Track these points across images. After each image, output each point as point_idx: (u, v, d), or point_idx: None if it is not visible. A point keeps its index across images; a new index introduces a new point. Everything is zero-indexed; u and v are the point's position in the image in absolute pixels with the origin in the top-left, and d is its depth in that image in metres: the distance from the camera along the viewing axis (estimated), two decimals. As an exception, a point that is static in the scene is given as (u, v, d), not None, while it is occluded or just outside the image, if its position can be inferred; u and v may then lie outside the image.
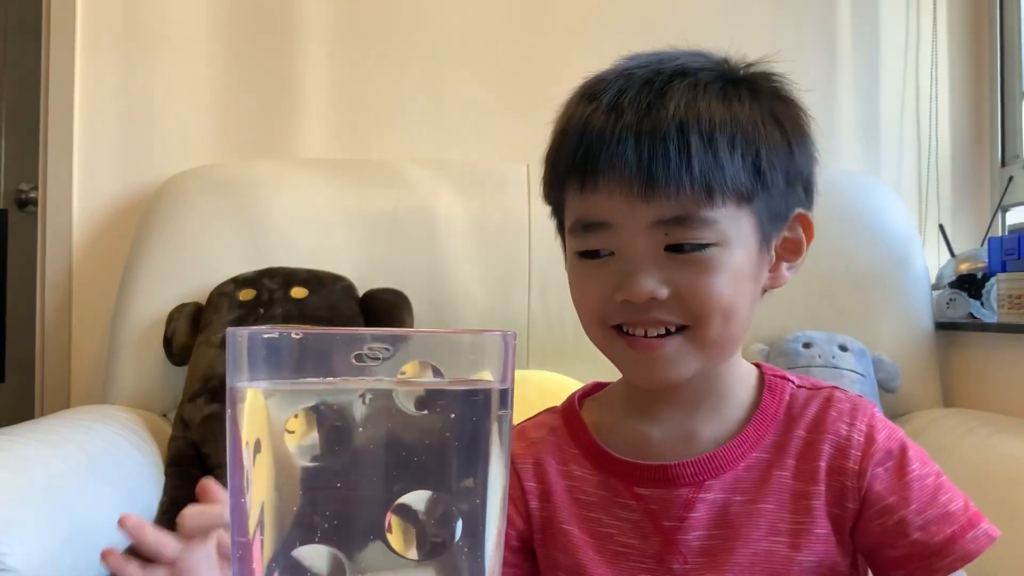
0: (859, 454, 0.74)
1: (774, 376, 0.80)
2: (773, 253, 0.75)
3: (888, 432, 0.76)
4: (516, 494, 0.79)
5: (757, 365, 0.82)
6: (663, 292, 0.70)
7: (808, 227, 0.77)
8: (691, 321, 0.71)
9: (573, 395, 0.85)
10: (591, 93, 0.74)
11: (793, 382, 0.79)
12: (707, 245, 0.70)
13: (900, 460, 0.75)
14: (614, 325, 0.73)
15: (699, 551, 0.74)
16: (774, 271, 0.76)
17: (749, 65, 0.77)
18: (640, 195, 0.69)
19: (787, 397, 0.78)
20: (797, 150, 0.75)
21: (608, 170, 0.70)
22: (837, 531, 0.74)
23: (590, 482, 0.78)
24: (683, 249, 0.70)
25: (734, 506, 0.74)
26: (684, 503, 0.75)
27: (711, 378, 0.77)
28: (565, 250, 0.79)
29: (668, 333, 0.71)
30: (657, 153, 0.68)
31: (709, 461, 0.75)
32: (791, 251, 0.77)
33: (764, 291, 0.78)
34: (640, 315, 0.71)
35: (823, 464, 0.74)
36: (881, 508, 0.73)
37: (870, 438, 0.75)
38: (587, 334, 0.77)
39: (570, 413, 0.83)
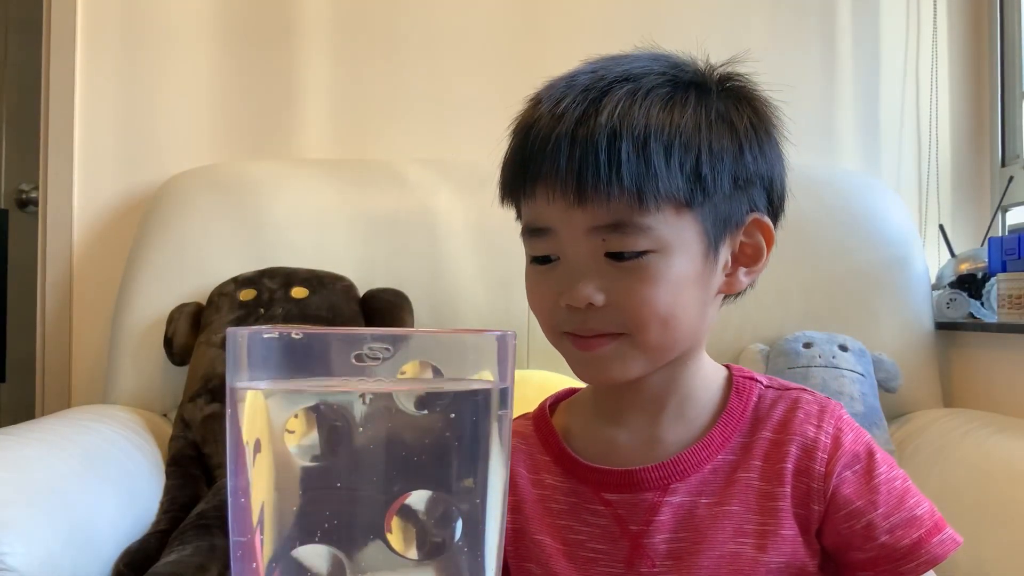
0: (825, 456, 0.74)
1: (742, 377, 0.79)
2: (728, 258, 0.75)
3: (855, 435, 0.76)
4: None
5: (727, 366, 0.81)
6: (599, 298, 0.70)
7: (767, 233, 0.76)
8: (628, 329, 0.71)
9: (545, 401, 0.85)
10: (538, 99, 0.75)
11: (761, 383, 0.79)
12: (644, 252, 0.70)
13: (868, 464, 0.75)
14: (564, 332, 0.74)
15: (666, 554, 0.74)
16: (731, 276, 0.76)
17: (713, 69, 0.76)
18: (575, 202, 0.69)
19: (755, 398, 0.78)
20: (750, 152, 0.74)
21: (544, 177, 0.71)
22: (804, 532, 0.74)
23: (560, 489, 0.78)
24: (621, 257, 0.70)
25: (700, 509, 0.74)
26: (649, 507, 0.75)
27: (673, 381, 0.77)
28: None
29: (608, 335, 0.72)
30: (588, 160, 0.69)
31: (674, 465, 0.75)
32: (751, 257, 0.76)
33: (724, 296, 0.77)
34: (581, 324, 0.72)
35: (789, 465, 0.74)
36: (849, 512, 0.73)
37: (837, 440, 0.75)
38: (544, 334, 0.77)
39: (541, 420, 0.83)
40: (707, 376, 0.79)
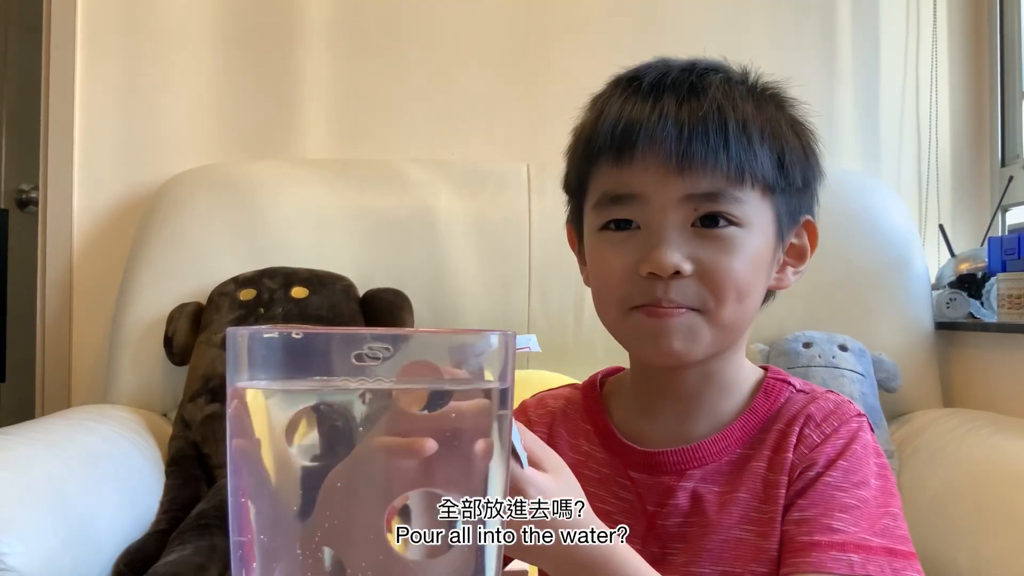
0: (806, 451, 0.75)
1: (775, 379, 0.81)
2: (783, 253, 0.78)
3: (844, 444, 0.75)
4: None
5: (765, 368, 0.83)
6: (687, 267, 0.72)
7: (813, 235, 0.81)
8: (705, 303, 0.73)
9: (597, 374, 0.87)
10: (630, 78, 0.77)
11: (794, 386, 0.80)
12: (732, 223, 0.72)
13: (826, 468, 0.74)
14: (633, 307, 0.74)
15: (677, 537, 0.76)
16: (780, 272, 0.79)
17: (767, 84, 0.80)
18: (676, 170, 0.72)
19: (782, 400, 0.79)
20: (812, 159, 0.79)
21: (646, 144, 0.72)
22: None
23: (595, 459, 0.81)
24: (709, 223, 0.72)
25: (711, 495, 0.76)
26: (666, 490, 0.77)
27: (710, 376, 0.78)
28: (580, 238, 0.81)
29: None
30: (697, 132, 0.72)
31: (693, 451, 0.77)
32: (796, 257, 0.80)
33: (769, 292, 0.80)
34: (663, 294, 0.72)
35: (790, 455, 0.75)
36: (788, 504, 0.74)
37: (825, 441, 0.75)
38: (601, 315, 0.78)
39: (590, 390, 0.85)
40: (743, 374, 0.81)
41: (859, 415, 0.78)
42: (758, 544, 0.74)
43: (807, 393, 0.80)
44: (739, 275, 0.72)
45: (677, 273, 0.71)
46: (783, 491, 0.74)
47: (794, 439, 0.76)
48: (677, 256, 0.71)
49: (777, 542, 0.74)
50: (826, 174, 0.82)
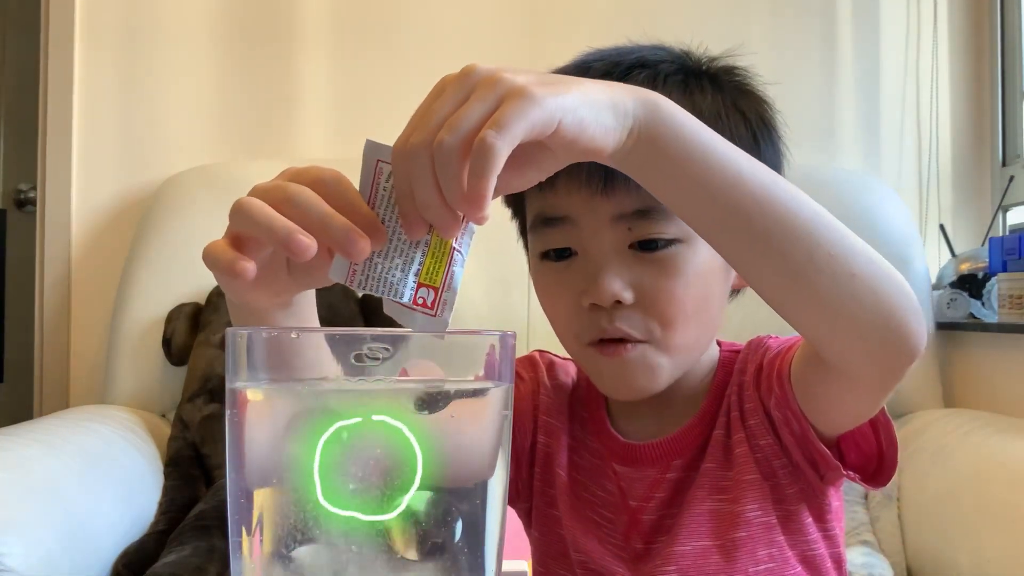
0: (750, 392, 0.74)
1: (728, 352, 0.79)
2: None
3: (761, 354, 0.74)
4: (531, 410, 0.80)
5: (718, 343, 0.81)
6: (627, 296, 0.69)
7: None
8: (653, 333, 0.70)
9: None
10: None
11: (735, 351, 0.79)
12: (672, 241, 0.69)
13: (760, 363, 0.73)
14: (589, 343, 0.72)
15: (661, 530, 0.74)
16: None
17: (712, 60, 0.76)
18: (599, 191, 0.68)
19: (729, 368, 0.78)
20: (763, 142, 0.74)
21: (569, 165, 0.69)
22: (767, 475, 0.73)
23: (589, 448, 0.79)
24: (647, 247, 0.69)
25: (687, 478, 0.75)
26: (652, 483, 0.75)
27: (681, 380, 0.76)
28: (528, 255, 0.78)
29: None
30: None
31: (673, 442, 0.75)
32: None
33: (735, 292, 0.78)
34: (608, 326, 0.70)
35: (736, 413, 0.74)
36: (775, 412, 0.72)
37: (757, 372, 0.74)
38: (563, 345, 0.76)
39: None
40: (707, 364, 0.79)
41: (768, 336, 0.77)
42: (731, 510, 0.72)
43: (737, 352, 0.79)
44: (684, 298, 0.69)
45: (619, 302, 0.69)
46: (743, 449, 0.73)
47: (735, 397, 0.75)
48: (617, 284, 0.68)
49: (749, 504, 0.72)
50: (787, 153, 0.76)
